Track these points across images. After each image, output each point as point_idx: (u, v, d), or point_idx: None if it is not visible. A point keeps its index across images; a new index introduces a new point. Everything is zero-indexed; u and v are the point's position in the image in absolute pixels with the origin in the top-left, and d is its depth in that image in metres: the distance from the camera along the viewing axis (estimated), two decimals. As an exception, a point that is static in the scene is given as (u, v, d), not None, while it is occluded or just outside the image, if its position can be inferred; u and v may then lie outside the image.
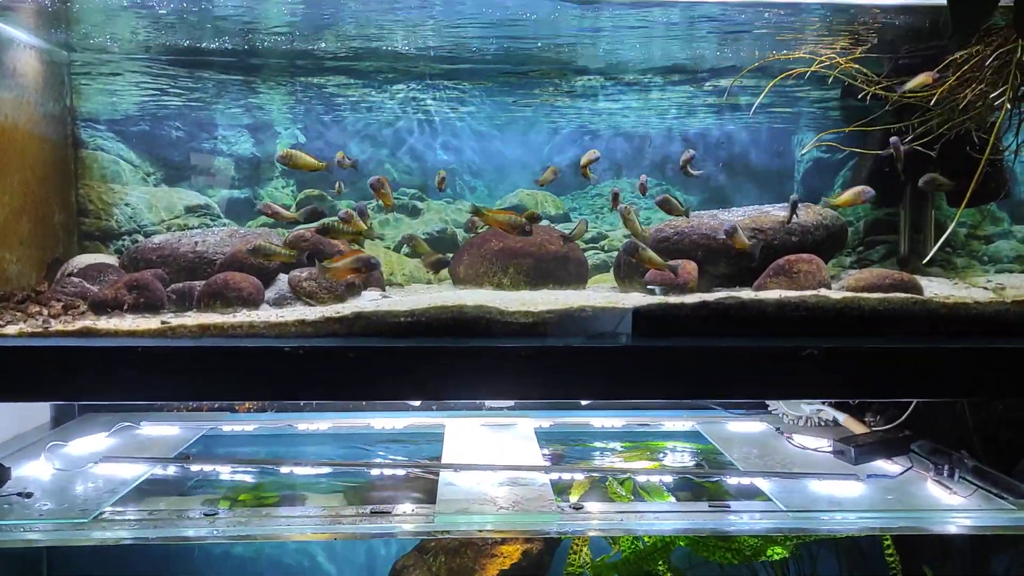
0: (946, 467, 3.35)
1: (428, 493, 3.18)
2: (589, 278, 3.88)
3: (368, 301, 3.17)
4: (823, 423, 4.07)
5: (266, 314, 2.86)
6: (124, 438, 3.86)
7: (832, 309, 2.85)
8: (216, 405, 4.22)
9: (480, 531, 2.88)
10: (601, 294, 3.20)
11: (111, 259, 3.61)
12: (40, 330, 2.73)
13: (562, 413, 4.26)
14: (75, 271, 3.41)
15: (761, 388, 2.87)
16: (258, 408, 4.18)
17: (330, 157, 3.44)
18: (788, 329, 2.84)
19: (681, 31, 3.31)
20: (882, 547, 3.48)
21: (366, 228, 3.18)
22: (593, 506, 3.03)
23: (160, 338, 2.73)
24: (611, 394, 3.15)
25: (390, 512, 2.92)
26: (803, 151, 4.06)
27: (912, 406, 3.62)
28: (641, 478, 3.38)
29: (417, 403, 4.26)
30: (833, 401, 3.95)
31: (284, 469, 3.45)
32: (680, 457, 3.94)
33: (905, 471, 3.38)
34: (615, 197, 3.48)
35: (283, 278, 3.28)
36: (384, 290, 3.49)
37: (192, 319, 2.82)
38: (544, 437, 4.00)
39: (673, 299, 2.88)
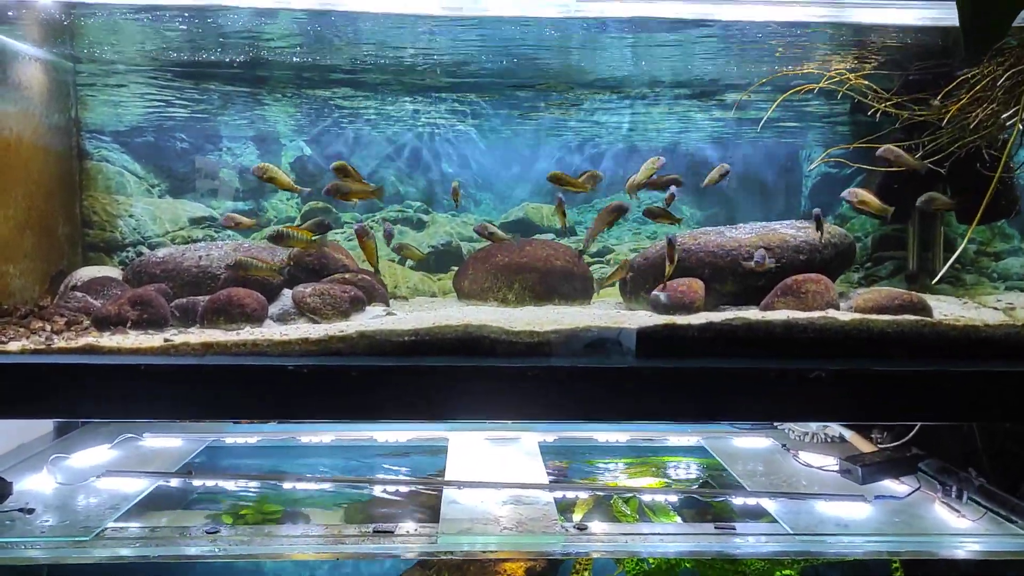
0: (954, 488, 3.32)
1: (431, 510, 3.17)
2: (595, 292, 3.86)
3: (372, 319, 3.15)
4: (829, 439, 4.04)
5: (270, 332, 2.85)
6: (127, 450, 3.85)
7: (840, 331, 2.82)
8: (219, 416, 4.21)
9: (483, 552, 2.86)
10: (606, 312, 3.18)
11: (115, 271, 3.60)
12: (43, 347, 2.72)
13: (566, 427, 4.24)
14: (79, 284, 3.40)
15: (768, 410, 2.84)
16: (261, 419, 4.17)
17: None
18: (796, 351, 2.81)
19: (688, 47, 3.28)
20: (890, 570, 3.45)
21: (312, 237, 3.23)
22: (597, 527, 3.01)
23: (163, 356, 2.72)
24: (617, 416, 3.12)
25: (392, 532, 2.90)
26: (811, 166, 4.03)
27: (919, 424, 3.59)
28: (646, 497, 3.36)
29: (421, 416, 4.23)
30: (840, 418, 3.92)
31: (287, 485, 3.43)
32: (685, 473, 3.91)
33: (912, 492, 3.35)
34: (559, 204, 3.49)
35: (287, 293, 3.26)
36: (388, 305, 3.47)
37: (195, 337, 2.80)
38: (548, 451, 3.97)
39: (680, 320, 2.86)
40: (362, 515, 3.25)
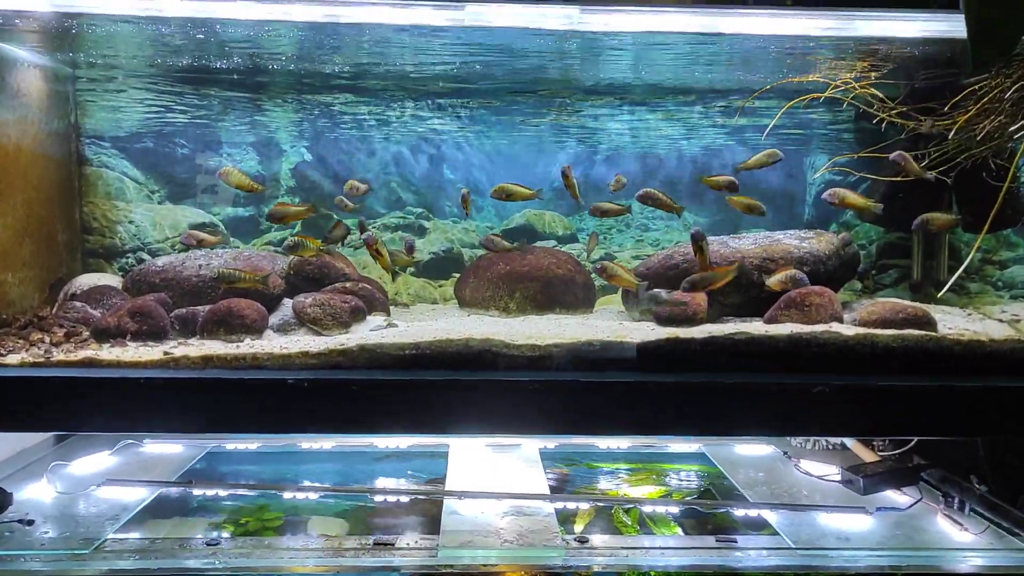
0: (956, 500, 3.31)
1: (432, 520, 3.16)
2: (596, 300, 3.84)
3: (372, 329, 3.14)
4: (831, 447, 4.02)
5: (270, 345, 2.83)
6: (127, 456, 3.84)
7: (844, 345, 2.80)
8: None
9: (484, 566, 2.85)
10: (608, 324, 3.16)
11: (114, 279, 3.59)
12: (42, 360, 2.70)
13: (567, 433, 4.22)
14: (78, 292, 3.39)
15: (772, 425, 2.83)
16: (262, 433, 4.15)
17: (337, 174, 3.42)
18: (800, 365, 2.80)
19: (691, 55, 3.25)
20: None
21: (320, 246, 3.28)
22: (598, 539, 3.00)
23: (163, 369, 2.71)
24: (619, 430, 3.12)
25: (393, 544, 2.90)
26: (816, 174, 4.01)
27: (922, 433, 3.57)
28: (648, 508, 3.35)
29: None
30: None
31: (287, 495, 3.42)
32: (686, 481, 3.90)
33: (915, 503, 3.33)
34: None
35: (288, 303, 3.25)
36: (389, 314, 3.45)
37: (195, 349, 2.79)
38: (549, 458, 3.96)
39: (682, 333, 2.84)
40: (363, 524, 3.24)
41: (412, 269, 4.00)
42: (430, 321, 3.30)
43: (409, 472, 3.83)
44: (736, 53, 3.17)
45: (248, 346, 2.82)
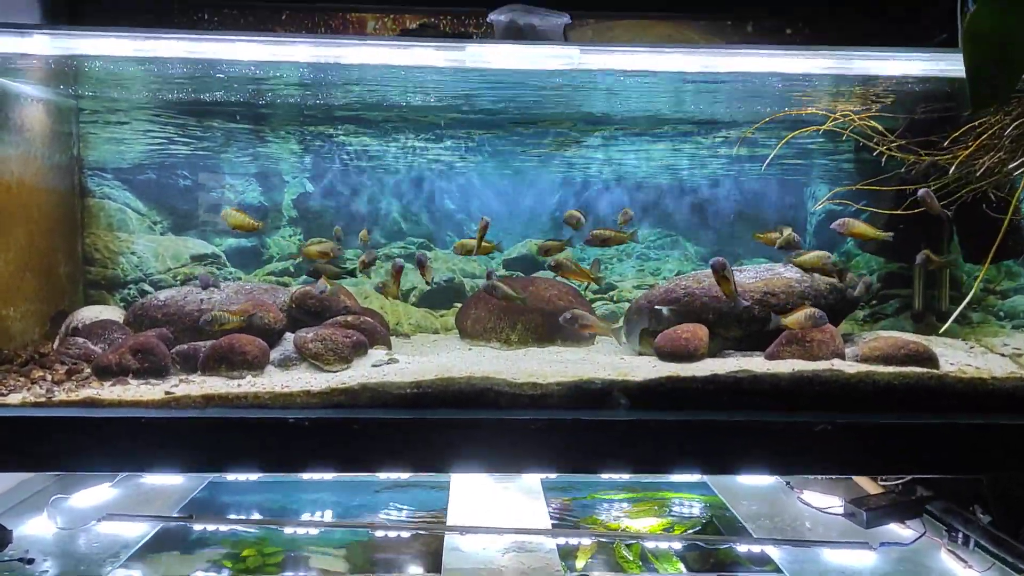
0: (960, 534, 3.29)
1: (433, 556, 3.14)
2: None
3: (373, 366, 3.14)
4: (833, 476, 4.01)
5: (271, 384, 2.83)
6: (128, 488, 3.83)
7: (846, 383, 2.80)
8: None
9: (486, 606, 2.84)
10: (609, 359, 3.15)
11: (116, 311, 3.59)
12: (44, 399, 2.70)
13: (569, 472, 4.20)
14: (80, 326, 3.39)
15: (774, 464, 2.82)
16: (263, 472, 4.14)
17: (340, 205, 3.42)
18: (802, 403, 2.79)
19: (690, 90, 3.27)
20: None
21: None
22: (600, 576, 2.99)
23: (165, 408, 2.70)
24: (621, 468, 3.11)
25: (394, 583, 2.88)
26: (816, 205, 4.01)
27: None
28: (650, 543, 3.33)
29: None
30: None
31: (288, 530, 3.41)
32: (688, 511, 3.88)
33: (918, 538, 3.32)
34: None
35: (289, 337, 3.25)
36: (390, 347, 3.45)
37: (196, 388, 2.78)
38: (551, 488, 3.95)
39: (683, 372, 2.84)
40: (364, 559, 3.23)
41: (414, 299, 4.00)
42: (432, 355, 3.30)
43: (410, 503, 3.82)
44: (736, 88, 3.19)
45: (249, 384, 2.81)
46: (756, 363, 2.98)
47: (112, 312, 3.58)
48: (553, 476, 4.10)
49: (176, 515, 3.48)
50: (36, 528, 3.29)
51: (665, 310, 3.22)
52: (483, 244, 3.30)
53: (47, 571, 2.90)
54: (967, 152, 2.97)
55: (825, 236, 4.13)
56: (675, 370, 2.88)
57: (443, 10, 4.10)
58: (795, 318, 3.01)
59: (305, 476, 4.03)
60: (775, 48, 2.71)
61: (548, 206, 4.20)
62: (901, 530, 3.42)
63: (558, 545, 3.24)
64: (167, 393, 2.73)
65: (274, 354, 3.15)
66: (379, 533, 3.43)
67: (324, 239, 3.42)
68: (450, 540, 3.26)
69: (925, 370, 2.85)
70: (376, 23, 4.20)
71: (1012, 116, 2.86)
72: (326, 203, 4.09)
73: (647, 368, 2.94)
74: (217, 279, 3.25)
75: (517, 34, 2.78)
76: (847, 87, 3.11)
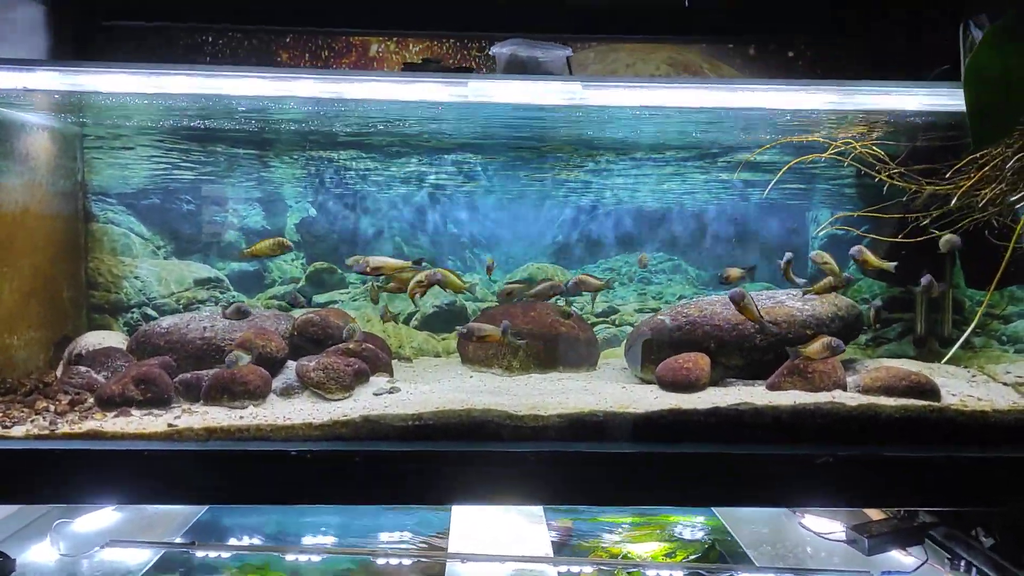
0: (963, 562, 3.28)
1: (436, 581, 3.15)
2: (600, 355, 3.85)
3: (375, 394, 3.14)
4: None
5: (272, 415, 2.84)
6: (131, 511, 3.82)
7: (848, 417, 2.80)
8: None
9: (487, 638, 2.84)
10: (611, 389, 3.15)
11: (119, 337, 3.60)
12: (47, 432, 2.71)
13: (571, 504, 4.20)
14: (83, 353, 3.40)
15: (776, 496, 2.83)
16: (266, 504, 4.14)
17: (343, 229, 3.43)
18: (804, 435, 2.80)
19: (694, 118, 3.27)
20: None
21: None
22: (602, 608, 2.98)
23: (167, 441, 2.72)
24: (622, 501, 3.11)
25: (396, 614, 2.88)
26: (818, 230, 4.02)
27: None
28: (651, 572, 3.33)
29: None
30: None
31: (290, 557, 3.41)
32: (690, 535, 3.87)
33: (920, 565, 3.31)
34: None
35: (291, 365, 3.26)
36: (392, 374, 3.46)
37: (199, 420, 2.80)
38: (552, 510, 3.95)
39: (685, 405, 2.84)
40: (366, 586, 3.23)
41: (416, 322, 4.02)
42: (433, 383, 3.30)
43: (413, 524, 3.82)
44: (738, 119, 3.20)
45: (252, 416, 2.82)
46: (758, 394, 2.98)
47: (115, 338, 3.60)
48: (555, 500, 4.09)
49: (179, 541, 3.49)
50: (39, 555, 3.29)
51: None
52: (460, 283, 3.31)
53: (49, 602, 2.91)
54: (967, 185, 2.97)
55: (827, 260, 4.14)
56: (676, 402, 2.89)
57: (446, 34, 4.12)
58: (813, 348, 3.02)
59: (307, 499, 4.02)
60: (776, 83, 2.71)
61: (550, 230, 4.21)
62: (903, 557, 3.41)
63: (559, 573, 3.24)
64: (170, 426, 2.75)
65: (276, 382, 3.16)
66: (380, 560, 3.43)
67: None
68: (452, 568, 3.25)
69: (927, 403, 2.85)
70: (379, 46, 4.22)
71: (1013, 149, 2.86)
72: (329, 227, 4.10)
73: (649, 399, 2.94)
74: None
75: (519, 67, 2.79)
76: (850, 119, 3.11)
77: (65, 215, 3.64)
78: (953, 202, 2.99)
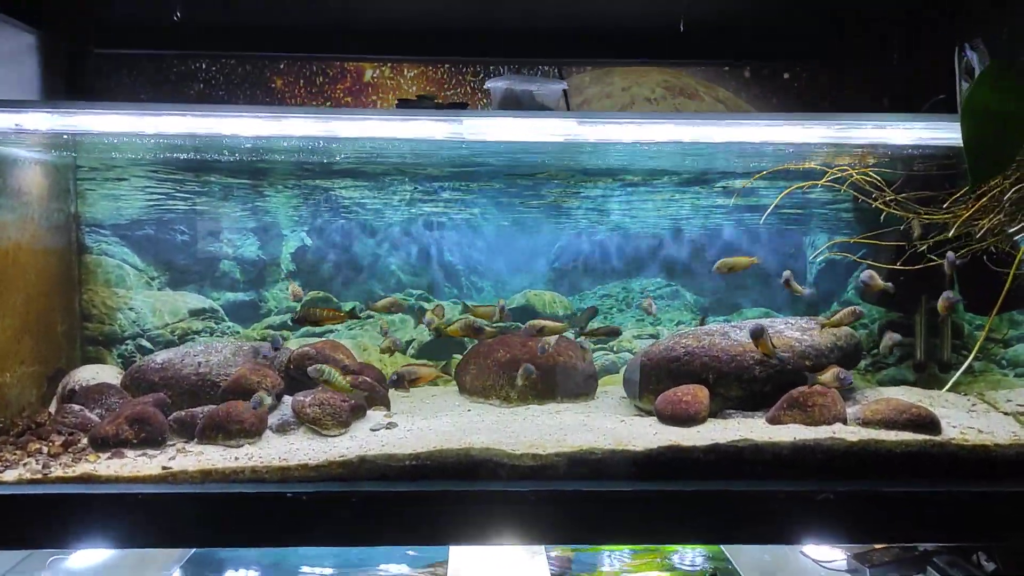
0: (966, 592, 3.26)
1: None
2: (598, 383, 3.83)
3: (372, 429, 3.12)
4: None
5: (268, 455, 2.81)
6: (126, 545, 3.79)
7: (848, 452, 2.78)
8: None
9: None
10: (610, 424, 3.12)
11: (113, 371, 3.57)
12: (40, 476, 2.68)
13: (570, 543, 4.17)
14: (76, 389, 3.37)
15: (776, 534, 2.80)
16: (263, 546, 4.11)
17: (335, 259, 3.40)
18: (804, 472, 2.78)
19: (691, 149, 3.26)
20: None
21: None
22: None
23: (162, 484, 2.69)
24: (622, 539, 3.09)
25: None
26: (814, 256, 4.01)
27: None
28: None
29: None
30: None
31: (287, 592, 3.38)
32: (690, 562, 3.85)
33: (923, 595, 3.29)
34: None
35: (288, 400, 3.23)
36: (389, 407, 3.43)
37: (193, 462, 2.77)
38: (552, 539, 3.92)
39: (684, 442, 2.82)
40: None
41: (413, 350, 3.99)
42: (431, 417, 3.27)
43: (410, 557, 3.78)
44: (733, 149, 3.18)
45: (247, 458, 2.79)
46: (757, 428, 2.96)
47: (109, 372, 3.56)
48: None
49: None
50: (33, 594, 3.26)
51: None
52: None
53: (44, 645, 2.87)
54: (965, 216, 2.96)
55: (825, 286, 4.12)
56: (675, 438, 2.86)
57: (441, 59, 4.10)
58: (827, 377, 3.05)
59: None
60: (771, 118, 2.70)
61: (547, 256, 4.19)
62: (906, 588, 3.39)
63: (559, 607, 3.21)
64: (164, 468, 2.72)
65: (272, 419, 3.14)
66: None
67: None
68: (450, 602, 3.23)
69: (927, 437, 2.83)
70: (374, 71, 4.20)
71: (1011, 180, 2.85)
72: (324, 256, 4.08)
73: (648, 435, 2.92)
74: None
75: (514, 102, 2.78)
76: (847, 150, 3.10)
77: (58, 248, 3.61)
78: (951, 232, 2.98)
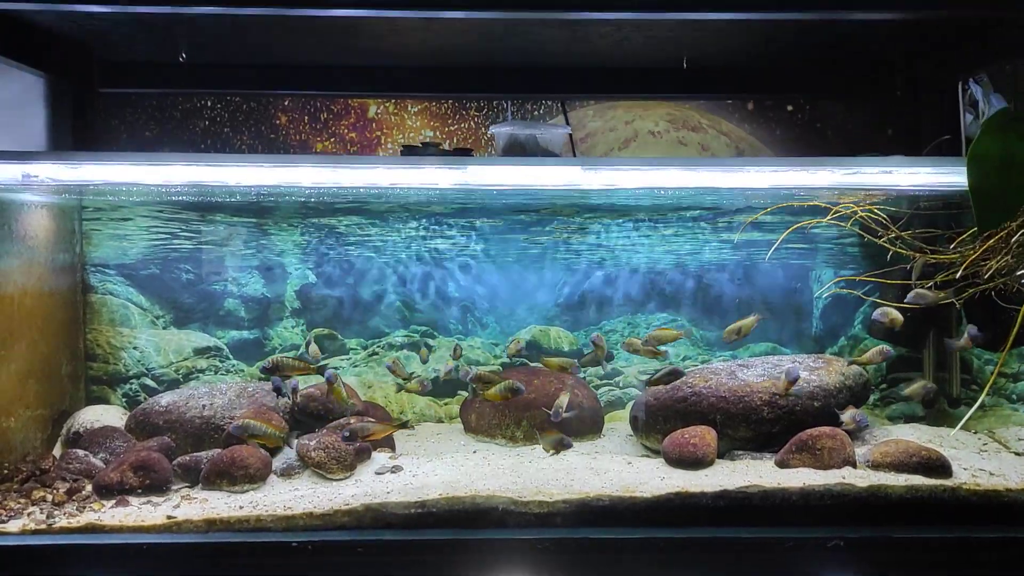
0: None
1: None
2: (604, 418, 3.81)
3: (377, 472, 3.10)
4: None
5: (272, 503, 2.79)
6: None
7: (857, 498, 2.75)
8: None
9: None
10: (616, 467, 3.10)
11: (117, 412, 3.56)
12: (44, 527, 2.67)
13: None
14: (81, 431, 3.37)
15: (785, 581, 2.76)
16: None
17: (341, 296, 3.41)
18: (813, 518, 2.75)
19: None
20: None
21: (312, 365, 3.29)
22: None
23: (166, 533, 2.67)
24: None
25: None
26: (820, 291, 4.00)
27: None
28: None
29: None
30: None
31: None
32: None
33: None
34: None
35: (292, 443, 3.21)
36: (394, 449, 3.41)
37: (198, 510, 2.75)
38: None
39: (692, 488, 2.79)
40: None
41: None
42: (436, 460, 3.25)
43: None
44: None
45: (252, 506, 2.77)
46: (766, 472, 2.94)
47: (114, 413, 3.56)
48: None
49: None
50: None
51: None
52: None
53: None
54: (974, 256, 2.95)
55: (832, 320, 4.11)
56: (683, 483, 2.84)
57: (445, 96, 4.12)
58: (846, 417, 3.10)
59: None
60: (777, 162, 2.70)
61: (552, 292, 4.18)
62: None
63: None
64: (169, 517, 2.70)
65: (277, 463, 3.12)
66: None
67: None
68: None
69: (938, 482, 2.80)
70: (378, 107, 4.22)
71: (1018, 222, 2.84)
72: (329, 293, 4.08)
73: (655, 481, 2.89)
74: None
75: (519, 148, 2.78)
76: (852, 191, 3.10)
77: (64, 290, 3.61)
78: (959, 273, 2.96)
